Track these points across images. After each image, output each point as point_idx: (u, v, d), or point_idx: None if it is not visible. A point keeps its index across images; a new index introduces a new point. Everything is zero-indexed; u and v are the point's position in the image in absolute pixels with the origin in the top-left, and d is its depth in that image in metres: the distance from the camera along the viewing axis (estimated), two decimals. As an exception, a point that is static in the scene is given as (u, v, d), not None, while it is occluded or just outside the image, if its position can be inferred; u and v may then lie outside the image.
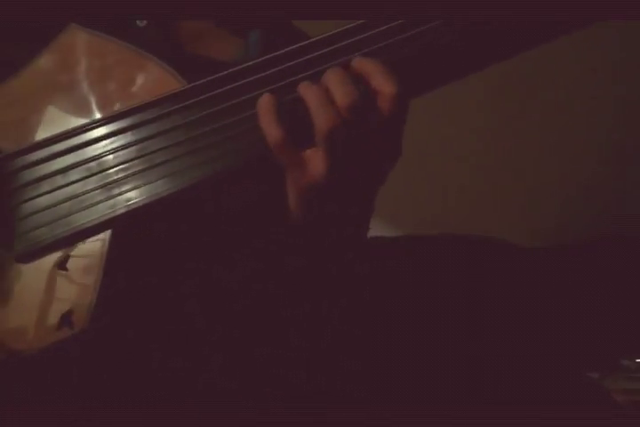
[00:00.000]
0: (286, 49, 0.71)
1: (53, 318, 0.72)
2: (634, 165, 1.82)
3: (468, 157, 1.90)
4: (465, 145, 1.90)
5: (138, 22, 0.84)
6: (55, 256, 0.74)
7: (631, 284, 1.51)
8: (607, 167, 1.84)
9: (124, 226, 0.73)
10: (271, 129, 0.68)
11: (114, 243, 0.73)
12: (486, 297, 0.77)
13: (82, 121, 0.76)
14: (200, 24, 0.89)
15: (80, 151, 0.74)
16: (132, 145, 0.73)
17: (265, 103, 0.69)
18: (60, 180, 0.74)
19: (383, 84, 0.67)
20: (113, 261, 0.72)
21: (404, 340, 0.75)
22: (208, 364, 0.75)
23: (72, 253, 0.74)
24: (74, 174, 0.74)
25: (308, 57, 0.70)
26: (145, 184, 0.72)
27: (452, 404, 0.71)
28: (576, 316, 0.83)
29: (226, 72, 0.72)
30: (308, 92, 0.68)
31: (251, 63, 0.71)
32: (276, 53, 0.71)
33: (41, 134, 0.77)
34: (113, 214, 0.72)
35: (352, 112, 0.67)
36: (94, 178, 0.74)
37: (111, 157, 0.74)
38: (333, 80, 0.68)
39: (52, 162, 0.75)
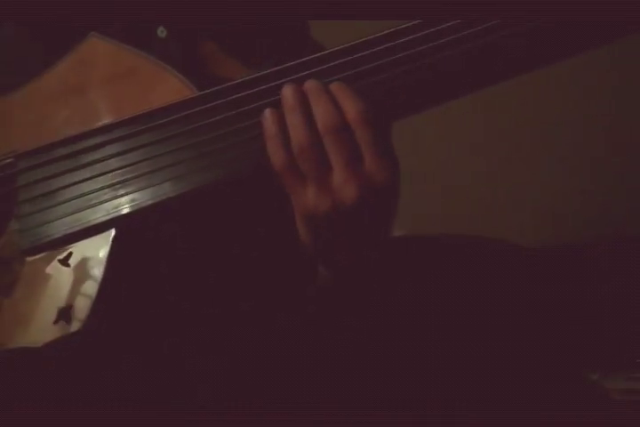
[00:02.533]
0: (289, 63, 0.72)
1: (51, 312, 0.72)
2: (634, 165, 1.82)
3: (468, 157, 1.90)
4: (465, 145, 1.90)
5: (158, 33, 0.85)
6: (58, 252, 0.75)
7: (631, 284, 1.52)
8: (607, 167, 1.84)
9: (128, 225, 0.74)
10: (275, 152, 0.68)
11: (117, 242, 0.74)
12: (486, 297, 0.78)
13: (94, 126, 0.78)
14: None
15: (89, 153, 0.77)
16: (140, 148, 0.75)
17: (269, 125, 0.69)
18: (68, 179, 0.77)
19: (349, 105, 0.67)
20: (115, 259, 0.73)
21: (402, 340, 0.75)
22: (207, 365, 0.76)
23: (75, 250, 0.75)
24: (82, 174, 0.76)
25: (309, 72, 0.71)
26: (150, 186, 0.74)
27: (451, 404, 0.72)
28: (576, 316, 0.84)
29: (233, 83, 0.73)
30: (288, 111, 0.68)
31: (256, 75, 0.73)
32: (278, 68, 0.72)
33: (55, 137, 0.78)
34: (117, 213, 0.74)
35: (330, 131, 0.66)
36: (102, 178, 0.76)
37: (119, 158, 0.75)
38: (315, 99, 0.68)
39: (62, 162, 0.77)
